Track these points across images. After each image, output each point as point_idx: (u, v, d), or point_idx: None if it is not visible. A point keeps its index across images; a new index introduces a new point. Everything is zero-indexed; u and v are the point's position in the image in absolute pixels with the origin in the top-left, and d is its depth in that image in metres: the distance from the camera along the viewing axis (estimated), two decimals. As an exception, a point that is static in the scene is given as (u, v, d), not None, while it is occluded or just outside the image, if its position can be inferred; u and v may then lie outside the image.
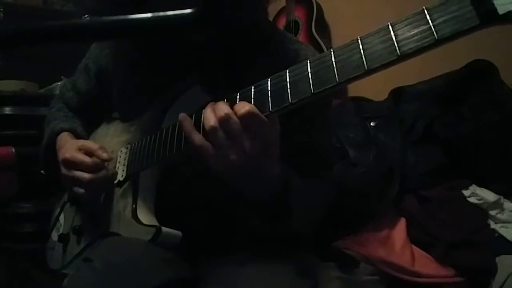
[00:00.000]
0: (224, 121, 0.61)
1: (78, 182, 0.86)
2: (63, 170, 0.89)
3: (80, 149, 0.88)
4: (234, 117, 0.61)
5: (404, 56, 0.49)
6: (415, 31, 0.49)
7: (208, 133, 0.63)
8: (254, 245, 0.81)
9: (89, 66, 1.03)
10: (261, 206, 0.73)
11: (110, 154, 0.89)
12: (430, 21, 0.47)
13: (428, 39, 0.47)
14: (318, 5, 2.11)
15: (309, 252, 0.90)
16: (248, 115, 0.60)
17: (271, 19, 2.20)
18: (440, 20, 0.47)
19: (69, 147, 0.91)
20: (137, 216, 0.81)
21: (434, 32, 0.47)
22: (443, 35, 0.47)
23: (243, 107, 0.61)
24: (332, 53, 0.56)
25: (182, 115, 0.67)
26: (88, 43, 1.04)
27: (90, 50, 1.04)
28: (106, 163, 0.90)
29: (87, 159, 0.86)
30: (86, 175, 0.85)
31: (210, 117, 0.62)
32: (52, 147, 0.98)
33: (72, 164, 0.87)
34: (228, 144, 0.62)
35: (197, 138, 0.65)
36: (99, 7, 0.72)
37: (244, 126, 0.61)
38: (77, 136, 0.99)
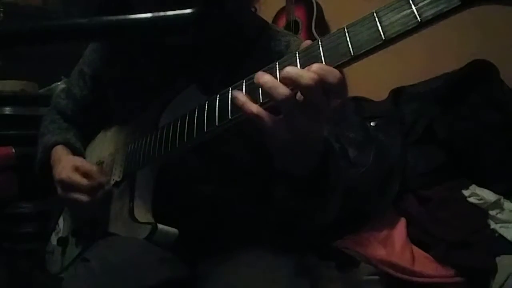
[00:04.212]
0: (307, 85, 0.54)
1: (76, 203, 0.86)
2: (60, 191, 0.88)
3: (76, 169, 0.87)
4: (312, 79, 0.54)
5: (389, 41, 0.51)
6: (399, 15, 0.50)
7: (281, 101, 0.57)
8: (253, 244, 0.81)
9: (84, 71, 1.02)
10: (301, 180, 0.68)
11: (108, 177, 0.88)
12: (412, 5, 0.49)
13: (411, 22, 0.49)
14: (318, 5, 2.10)
15: (309, 251, 0.90)
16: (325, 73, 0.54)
17: (271, 19, 2.20)
18: (422, 3, 0.49)
19: (65, 165, 0.89)
20: (134, 215, 0.81)
21: (417, 15, 0.49)
22: (426, 18, 0.48)
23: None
24: (319, 43, 0.57)
25: (235, 91, 0.63)
26: (88, 43, 1.04)
27: (84, 54, 1.03)
28: (103, 170, 0.90)
29: (84, 182, 0.85)
30: (84, 198, 0.85)
31: (278, 85, 0.56)
32: (46, 161, 0.97)
33: (69, 186, 0.86)
34: (302, 107, 0.57)
35: (256, 108, 0.59)
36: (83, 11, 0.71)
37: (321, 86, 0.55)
38: (71, 148, 0.98)
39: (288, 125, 0.58)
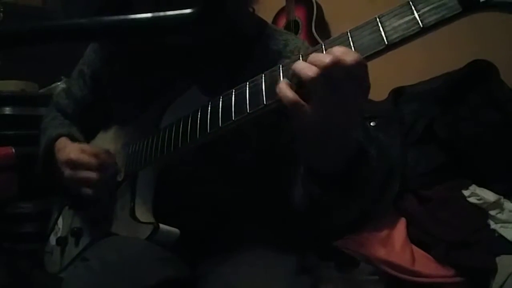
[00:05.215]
0: (329, 69, 0.55)
1: (86, 182, 0.86)
2: (68, 172, 0.88)
3: (83, 152, 0.88)
4: (339, 64, 0.54)
5: (392, 45, 0.52)
6: (401, 21, 0.52)
7: (308, 85, 0.57)
8: (253, 244, 0.81)
9: (83, 71, 1.02)
10: (334, 175, 0.67)
11: (113, 157, 0.89)
12: (415, 11, 0.50)
13: (414, 28, 0.50)
14: (318, 5, 2.11)
15: (309, 251, 0.90)
16: (355, 61, 0.55)
17: (271, 19, 2.20)
18: (424, 10, 0.50)
19: (72, 149, 0.90)
20: (135, 214, 0.81)
21: (419, 21, 0.50)
22: (428, 24, 0.50)
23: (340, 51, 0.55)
24: (323, 46, 0.58)
25: (284, 80, 0.61)
26: (87, 43, 1.04)
27: (84, 54, 1.04)
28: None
29: (93, 159, 0.86)
30: (94, 175, 0.85)
31: (306, 67, 0.56)
32: (50, 153, 0.97)
33: (78, 165, 0.86)
34: (330, 91, 0.56)
35: (292, 94, 0.58)
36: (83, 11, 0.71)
37: (346, 72, 0.55)
38: (75, 141, 0.98)
39: (317, 112, 0.58)
